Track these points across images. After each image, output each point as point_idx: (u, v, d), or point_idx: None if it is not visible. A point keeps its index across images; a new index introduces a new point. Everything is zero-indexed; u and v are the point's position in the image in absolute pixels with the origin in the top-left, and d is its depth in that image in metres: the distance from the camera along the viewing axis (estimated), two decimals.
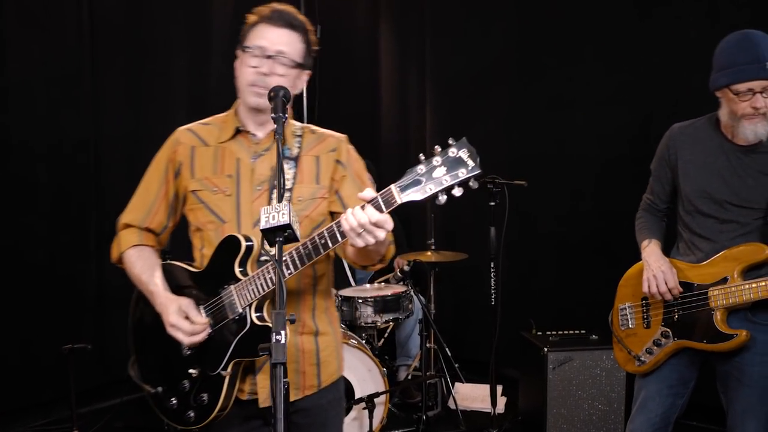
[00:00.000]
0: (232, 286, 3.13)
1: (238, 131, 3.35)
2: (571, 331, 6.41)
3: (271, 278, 3.02)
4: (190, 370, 3.23)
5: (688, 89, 6.69)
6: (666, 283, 4.14)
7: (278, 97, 2.97)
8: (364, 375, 6.03)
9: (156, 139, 3.62)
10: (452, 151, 2.72)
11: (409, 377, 7.42)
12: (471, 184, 2.70)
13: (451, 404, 7.02)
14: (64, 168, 7.38)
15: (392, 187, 2.73)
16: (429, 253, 7.19)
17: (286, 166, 3.26)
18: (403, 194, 2.72)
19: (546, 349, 6.01)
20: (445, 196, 2.71)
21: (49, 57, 7.20)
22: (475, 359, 7.82)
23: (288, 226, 2.64)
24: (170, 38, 8.16)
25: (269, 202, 3.21)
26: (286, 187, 3.24)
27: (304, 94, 9.35)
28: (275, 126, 2.89)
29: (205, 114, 3.57)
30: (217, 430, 3.29)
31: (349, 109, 9.44)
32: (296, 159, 3.33)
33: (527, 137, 7.90)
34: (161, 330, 3.26)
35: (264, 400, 3.24)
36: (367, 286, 7.35)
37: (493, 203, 6.04)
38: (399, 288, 7.01)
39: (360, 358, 6.03)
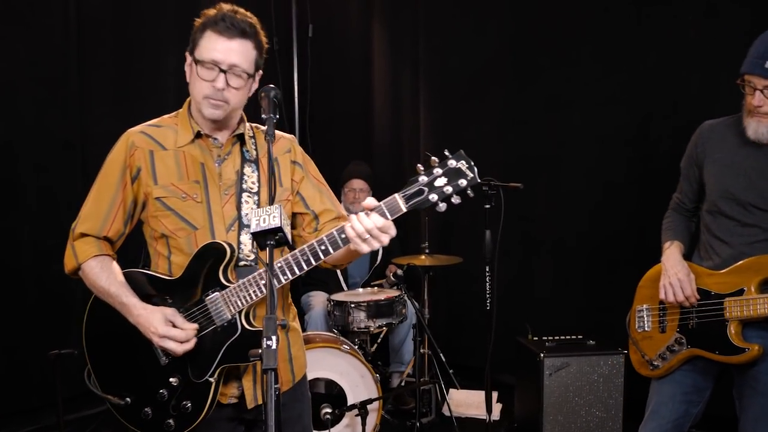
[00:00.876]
0: (218, 293, 3.16)
1: (199, 135, 3.36)
2: (568, 337, 6.41)
3: (265, 284, 3.06)
4: (171, 379, 3.24)
5: (687, 90, 6.71)
6: (683, 291, 4.13)
7: (269, 97, 3.00)
8: (357, 381, 6.03)
9: None
10: (451, 163, 2.91)
11: (403, 383, 7.41)
12: (469, 192, 2.92)
13: (445, 411, 7.01)
14: (50, 170, 7.34)
15: (396, 196, 2.93)
16: (423, 256, 7.19)
17: (248, 170, 3.36)
18: (408, 204, 2.94)
19: (542, 355, 6.01)
20: (445, 205, 2.92)
21: (34, 56, 7.16)
22: (469, 365, 7.83)
23: (279, 229, 2.67)
24: (159, 37, 8.13)
25: (238, 207, 3.30)
26: (253, 191, 3.33)
27: (295, 95, 9.35)
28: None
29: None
30: None
31: (342, 109, 9.42)
32: (256, 161, 3.40)
33: (523, 139, 7.89)
34: (128, 339, 3.28)
35: (251, 401, 3.33)
36: (360, 290, 7.33)
37: (488, 206, 6.03)
38: (392, 292, 7.01)
39: (352, 364, 6.02)
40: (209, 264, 3.18)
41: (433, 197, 2.91)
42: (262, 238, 2.71)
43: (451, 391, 7.47)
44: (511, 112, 8.04)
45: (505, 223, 6.06)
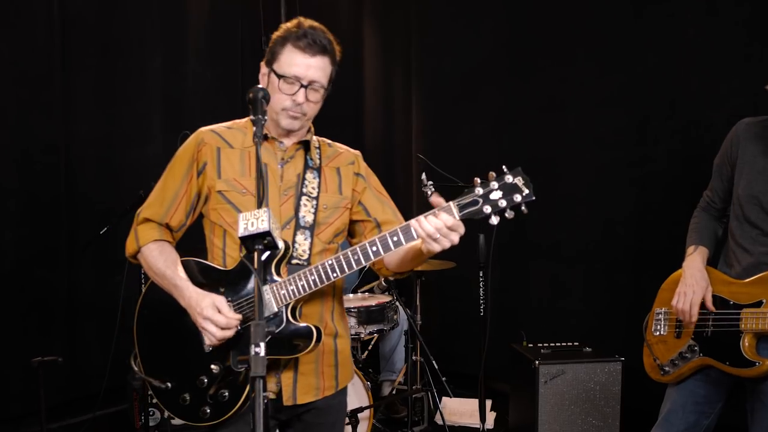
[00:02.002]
0: (267, 286, 3.24)
1: (266, 138, 3.48)
2: (564, 344, 6.41)
3: (314, 280, 3.21)
4: (212, 366, 3.33)
5: (686, 90, 6.72)
6: (690, 307, 4.11)
7: (257, 98, 3.03)
8: (347, 389, 6.01)
9: (130, 143, 3.65)
10: (508, 178, 3.05)
11: (395, 391, 7.41)
12: (523, 209, 3.05)
13: (438, 420, 7.00)
14: (34, 172, 7.35)
15: (451, 204, 3.05)
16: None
17: (310, 176, 3.53)
18: (461, 212, 3.06)
19: (537, 362, 6.01)
20: (498, 218, 3.07)
21: (17, 56, 7.17)
22: (463, 372, 7.81)
23: (268, 233, 2.67)
24: (144, 37, 8.15)
25: (296, 208, 3.46)
26: (312, 195, 3.49)
27: None
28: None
29: (181, 115, 3.59)
30: (226, 426, 3.39)
31: (332, 111, 9.16)
32: (319, 169, 3.58)
33: (518, 141, 7.89)
34: (177, 325, 3.39)
35: (288, 399, 3.43)
36: (351, 296, 7.32)
37: None
38: (384, 298, 7.01)
39: None
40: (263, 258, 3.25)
41: (487, 209, 3.04)
42: (250, 242, 2.71)
43: (444, 399, 7.45)
44: (506, 113, 8.06)
45: (499, 227, 6.05)
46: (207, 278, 3.40)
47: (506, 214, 3.04)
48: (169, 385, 3.43)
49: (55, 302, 7.57)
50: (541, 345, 6.40)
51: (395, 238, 3.11)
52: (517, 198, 3.01)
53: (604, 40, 7.32)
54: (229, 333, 3.22)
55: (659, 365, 4.35)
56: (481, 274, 6.18)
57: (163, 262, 3.43)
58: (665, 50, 6.88)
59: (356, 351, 7.01)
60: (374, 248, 3.14)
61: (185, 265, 3.46)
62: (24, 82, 7.23)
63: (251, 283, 3.30)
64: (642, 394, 4.83)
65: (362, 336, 6.71)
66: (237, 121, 3.62)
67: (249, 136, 3.49)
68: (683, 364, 4.23)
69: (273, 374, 3.41)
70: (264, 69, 3.48)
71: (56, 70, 7.52)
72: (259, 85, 3.13)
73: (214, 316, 3.19)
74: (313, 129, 3.64)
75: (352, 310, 6.58)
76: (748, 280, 4.01)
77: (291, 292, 3.21)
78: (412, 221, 3.09)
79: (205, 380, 3.34)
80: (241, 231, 2.69)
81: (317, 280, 3.19)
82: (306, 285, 3.20)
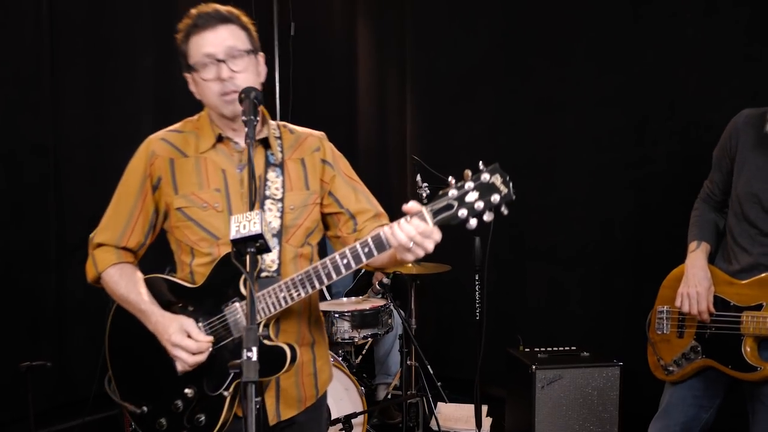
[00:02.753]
0: (237, 304, 3.16)
1: (220, 139, 3.34)
2: (561, 348, 6.40)
3: (284, 297, 3.08)
4: (186, 390, 3.23)
5: (685, 90, 6.72)
6: (699, 306, 4.12)
7: (249, 98, 2.98)
8: (341, 394, 6.02)
9: (120, 144, 3.61)
10: (485, 177, 2.83)
11: (389, 396, 7.41)
12: (503, 210, 2.84)
13: (433, 425, 6.98)
14: (22, 174, 7.34)
15: (423, 209, 2.84)
16: (410, 264, 7.18)
17: (272, 174, 3.33)
18: (435, 218, 2.84)
19: (534, 367, 6.00)
20: (476, 221, 2.83)
21: (5, 56, 7.15)
22: (458, 377, 7.81)
23: (260, 236, 2.64)
24: (135, 36, 8.13)
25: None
26: (277, 197, 3.29)
27: (277, 97, 9.34)
28: (253, 130, 2.92)
29: (173, 116, 3.55)
30: None
31: (325, 112, 9.40)
32: (281, 165, 3.37)
33: (515, 142, 7.89)
34: (148, 347, 3.27)
35: (272, 417, 3.34)
36: (344, 299, 7.32)
37: None
38: (378, 302, 7.00)
39: (336, 376, 5.99)
40: (230, 275, 3.17)
41: (463, 213, 2.82)
42: (242, 245, 2.67)
43: (440, 404, 7.45)
44: (502, 114, 8.05)
45: (496, 230, 6.03)
46: (175, 296, 3.31)
47: (485, 217, 2.83)
48: (145, 409, 3.34)
49: (43, 306, 7.56)
50: (538, 349, 6.39)
51: (366, 249, 2.97)
52: (495, 198, 2.82)
53: (602, 40, 7.32)
54: (201, 358, 3.14)
55: (663, 365, 4.38)
56: (477, 277, 6.18)
57: (124, 286, 3.33)
58: (664, 50, 6.88)
59: (350, 356, 7.01)
60: (345, 261, 3.00)
61: (151, 283, 3.36)
62: (12, 82, 7.22)
63: (222, 300, 3.20)
64: (641, 400, 4.84)
65: (356, 340, 6.69)
66: (189, 120, 3.48)
67: (203, 139, 3.35)
68: (687, 365, 4.27)
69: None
70: (187, 77, 3.35)
71: (45, 70, 7.50)
72: (251, 85, 3.08)
73: (183, 341, 3.12)
74: (269, 119, 3.45)
75: (346, 314, 6.57)
76: (748, 281, 4.04)
77: (261, 311, 3.10)
78: (384, 229, 2.94)
79: (180, 405, 3.25)
80: (233, 234, 2.65)
81: (287, 297, 3.08)
82: (276, 303, 3.10)
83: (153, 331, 3.22)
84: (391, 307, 6.90)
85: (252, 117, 2.92)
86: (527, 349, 6.43)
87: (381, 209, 3.58)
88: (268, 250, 2.71)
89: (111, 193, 3.43)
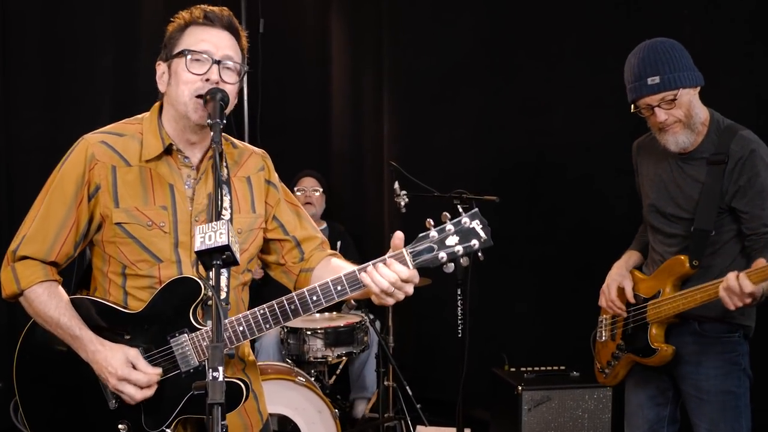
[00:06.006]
0: (185, 336, 3.11)
1: (168, 151, 3.26)
2: (549, 367, 6.43)
3: (242, 331, 3.07)
4: (120, 426, 3.15)
5: None
6: (606, 296, 4.77)
7: (215, 100, 2.97)
8: (314, 417, 6.01)
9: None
10: (465, 221, 2.99)
11: (366, 417, 7.41)
12: (480, 255, 3.04)
13: None
14: None
15: (404, 251, 2.95)
16: None
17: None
18: (415, 260, 2.96)
19: (520, 388, 6.03)
20: (453, 265, 3.02)
21: None
22: (439, 399, 7.79)
23: (227, 247, 2.62)
24: (94, 34, 8.09)
25: None
26: (225, 218, 3.09)
27: (245, 99, 9.32)
28: (219, 135, 2.90)
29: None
30: None
31: (296, 115, 9.36)
32: (228, 182, 3.27)
33: (499, 146, 7.91)
34: (72, 375, 3.20)
35: None
36: (317, 315, 7.26)
37: None
38: (353, 318, 7.01)
39: (309, 398, 6.00)
40: (178, 301, 3.13)
41: (442, 257, 2.96)
42: (207, 257, 2.64)
43: (419, 428, 7.43)
44: (486, 116, 8.06)
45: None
46: (107, 322, 3.20)
47: (461, 261, 3.00)
48: None
49: None
50: (524, 369, 6.42)
51: (339, 288, 3.00)
52: (475, 244, 2.98)
53: (594, 37, 7.35)
54: (150, 392, 3.08)
55: (600, 369, 4.94)
56: (459, 292, 6.19)
57: (54, 307, 3.18)
58: None
59: (323, 375, 7.00)
60: (314, 297, 3.03)
61: (78, 304, 3.23)
62: None
63: (168, 330, 3.13)
64: None
65: (330, 359, 6.70)
66: (127, 122, 3.39)
67: (147, 147, 3.24)
68: (616, 363, 4.79)
69: None
70: (161, 67, 3.27)
71: None
72: (217, 86, 3.05)
73: (131, 375, 3.05)
74: None
75: (319, 331, 6.58)
76: (651, 275, 4.64)
77: None
78: (362, 273, 2.97)
79: None
80: (198, 245, 2.61)
81: (246, 331, 3.06)
82: (233, 337, 3.08)
83: (89, 360, 3.13)
84: (368, 323, 6.92)
85: (218, 120, 2.90)
86: (513, 369, 6.46)
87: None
88: (235, 262, 2.69)
89: None
